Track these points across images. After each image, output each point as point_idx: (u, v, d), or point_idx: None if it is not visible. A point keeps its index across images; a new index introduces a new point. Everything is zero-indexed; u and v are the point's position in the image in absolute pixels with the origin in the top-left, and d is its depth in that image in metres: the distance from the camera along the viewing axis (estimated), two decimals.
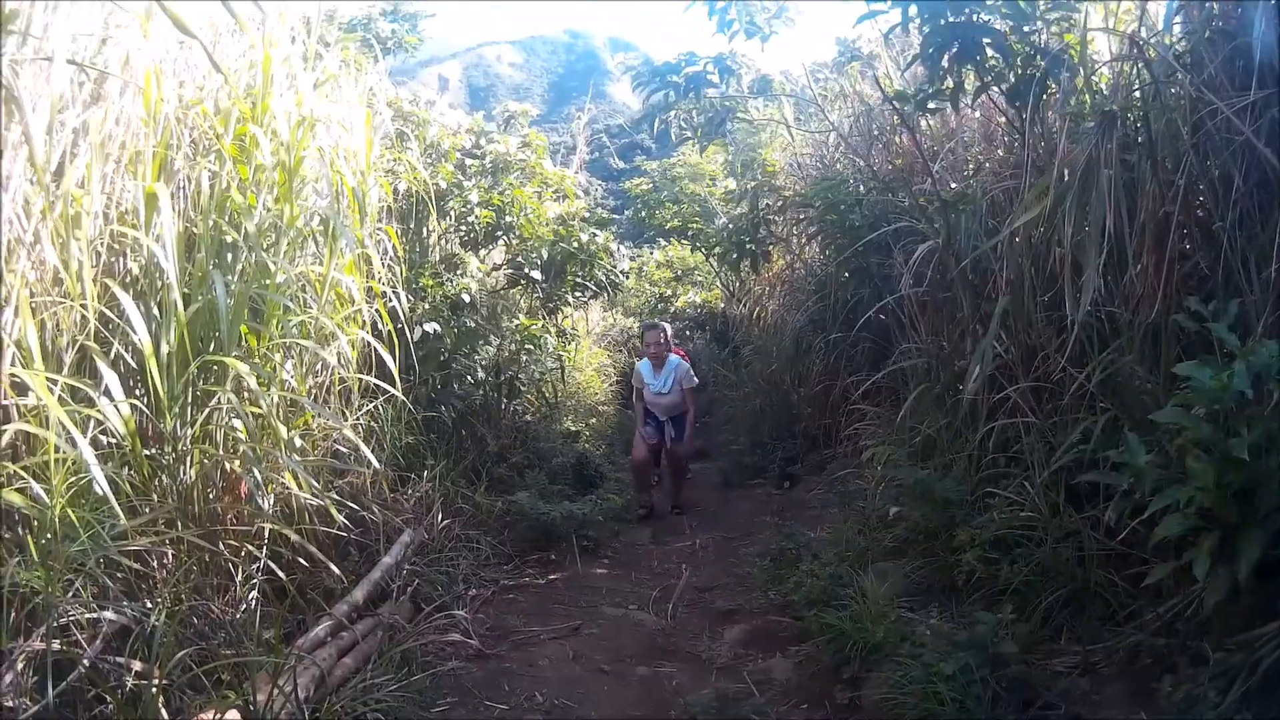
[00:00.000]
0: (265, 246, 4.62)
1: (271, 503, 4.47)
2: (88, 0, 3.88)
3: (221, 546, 4.17)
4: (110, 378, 3.55)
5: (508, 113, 12.04)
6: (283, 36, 4.97)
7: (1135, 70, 4.54)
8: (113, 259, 4.10)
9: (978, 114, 6.85)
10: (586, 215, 10.77)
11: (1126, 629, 3.90)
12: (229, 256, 4.45)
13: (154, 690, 3.26)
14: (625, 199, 17.65)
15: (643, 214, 15.21)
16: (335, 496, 4.89)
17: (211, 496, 4.24)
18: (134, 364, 3.93)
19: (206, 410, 4.17)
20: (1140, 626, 3.82)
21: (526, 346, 9.07)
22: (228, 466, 4.32)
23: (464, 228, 8.95)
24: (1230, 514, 3.17)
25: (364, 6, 11.67)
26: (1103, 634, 3.99)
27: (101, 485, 3.15)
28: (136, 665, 3.30)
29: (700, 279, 19.01)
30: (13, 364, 3.28)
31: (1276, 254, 3.54)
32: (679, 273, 19.29)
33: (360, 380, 5.30)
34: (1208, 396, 3.17)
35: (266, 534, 4.34)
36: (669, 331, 10.29)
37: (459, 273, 8.07)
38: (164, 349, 3.84)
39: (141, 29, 4.08)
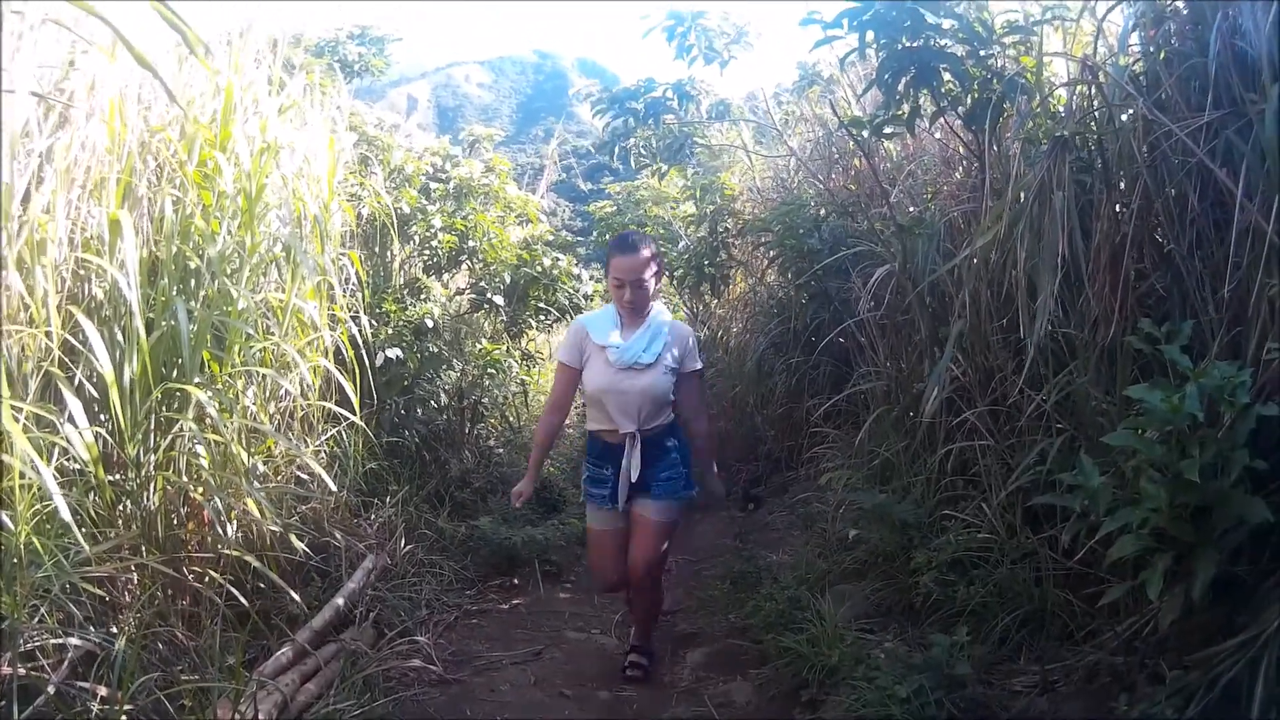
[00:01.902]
0: (228, 273, 4.63)
1: (234, 529, 4.47)
2: (53, 28, 3.89)
3: (185, 572, 4.17)
4: (74, 404, 3.55)
5: (473, 136, 12.04)
6: (247, 62, 4.99)
7: (1091, 93, 4.60)
8: (77, 285, 4.10)
9: (938, 135, 6.90)
10: (550, 239, 10.69)
11: (1084, 648, 3.92)
12: (192, 283, 4.46)
13: (119, 716, 3.26)
14: (592, 220, 17.68)
15: (607, 236, 15.23)
16: (297, 523, 4.89)
17: (175, 523, 4.23)
18: (97, 391, 3.93)
19: (169, 437, 4.17)
20: (1098, 645, 3.85)
21: (489, 371, 8.90)
22: (190, 493, 4.31)
23: (427, 252, 8.93)
24: (1184, 534, 3.20)
25: (332, 29, 11.66)
26: (1061, 653, 4.02)
27: (65, 514, 3.15)
28: (102, 691, 3.30)
29: (665, 301, 19.06)
30: None
31: (1230, 274, 3.58)
32: None
33: (322, 407, 5.31)
34: (1159, 419, 3.21)
35: (229, 560, 4.34)
36: (657, 255, 5.29)
37: (422, 297, 8.07)
38: (127, 376, 3.84)
39: (108, 56, 4.09)
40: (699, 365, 5.39)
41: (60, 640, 3.33)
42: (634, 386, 5.05)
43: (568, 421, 7.30)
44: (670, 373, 5.13)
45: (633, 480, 5.06)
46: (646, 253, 5.13)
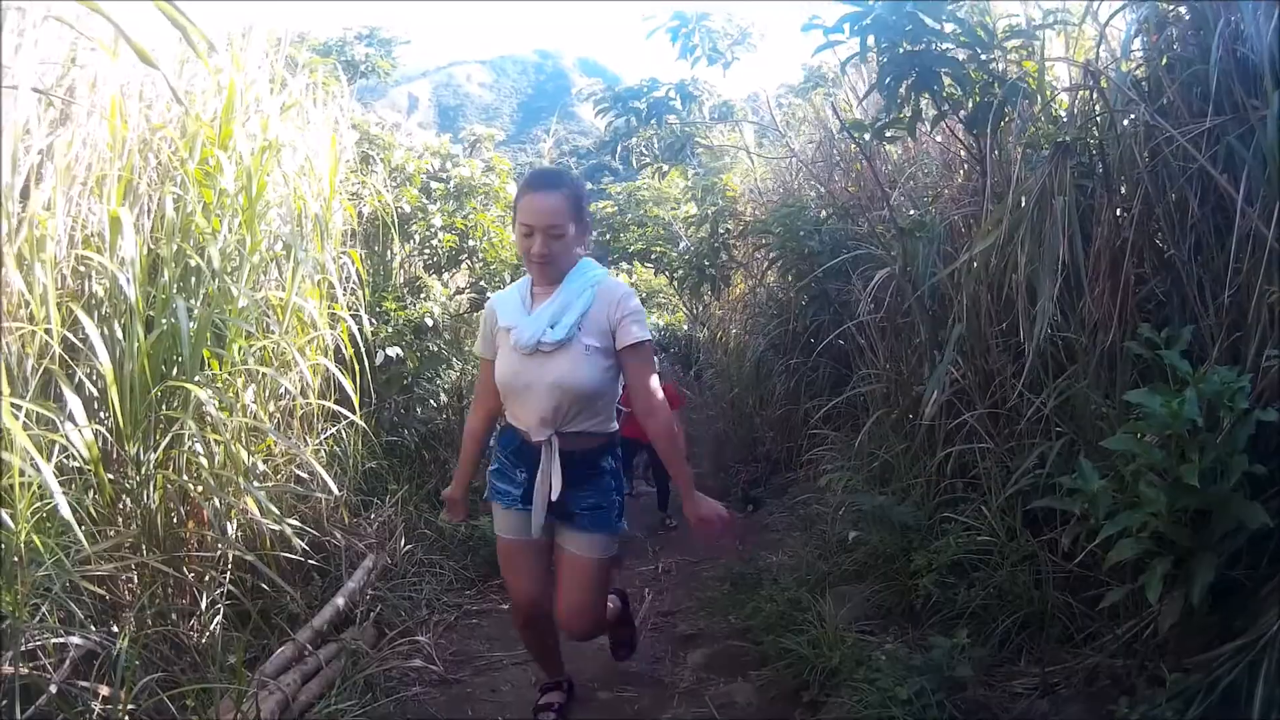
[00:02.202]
0: (228, 271, 4.63)
1: (234, 528, 4.47)
2: (55, 25, 3.89)
3: (185, 571, 4.17)
4: (74, 402, 3.55)
5: (474, 136, 12.06)
6: (250, 60, 4.99)
7: (1092, 98, 4.60)
8: (77, 282, 4.10)
9: (939, 138, 6.90)
10: None
11: (1084, 651, 3.93)
12: (192, 281, 4.46)
13: (121, 715, 3.26)
14: (591, 220, 17.75)
15: (607, 236, 15.25)
16: (297, 523, 4.88)
17: (175, 521, 4.23)
18: (97, 389, 3.93)
19: (169, 435, 4.17)
20: (1098, 648, 3.86)
21: None
22: (190, 492, 4.32)
23: (427, 251, 8.94)
24: (1183, 538, 3.21)
25: (340, 29, 11.69)
26: (1061, 656, 4.02)
27: (65, 512, 3.15)
28: (103, 690, 3.30)
29: (664, 301, 19.11)
30: None
31: (1230, 279, 3.59)
32: (644, 295, 19.37)
33: (322, 406, 5.31)
34: (1159, 424, 3.21)
35: (230, 559, 4.34)
36: (582, 199, 4.05)
37: (422, 296, 8.08)
38: (127, 373, 3.85)
39: (109, 53, 4.09)
40: (643, 336, 3.95)
41: (61, 639, 3.33)
42: (541, 378, 3.88)
43: None
44: (597, 353, 3.88)
45: (552, 499, 3.96)
46: (567, 191, 3.90)
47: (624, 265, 17.68)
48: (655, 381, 4.01)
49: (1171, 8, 4.39)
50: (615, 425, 4.17)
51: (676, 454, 4.13)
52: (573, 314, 3.86)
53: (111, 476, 3.92)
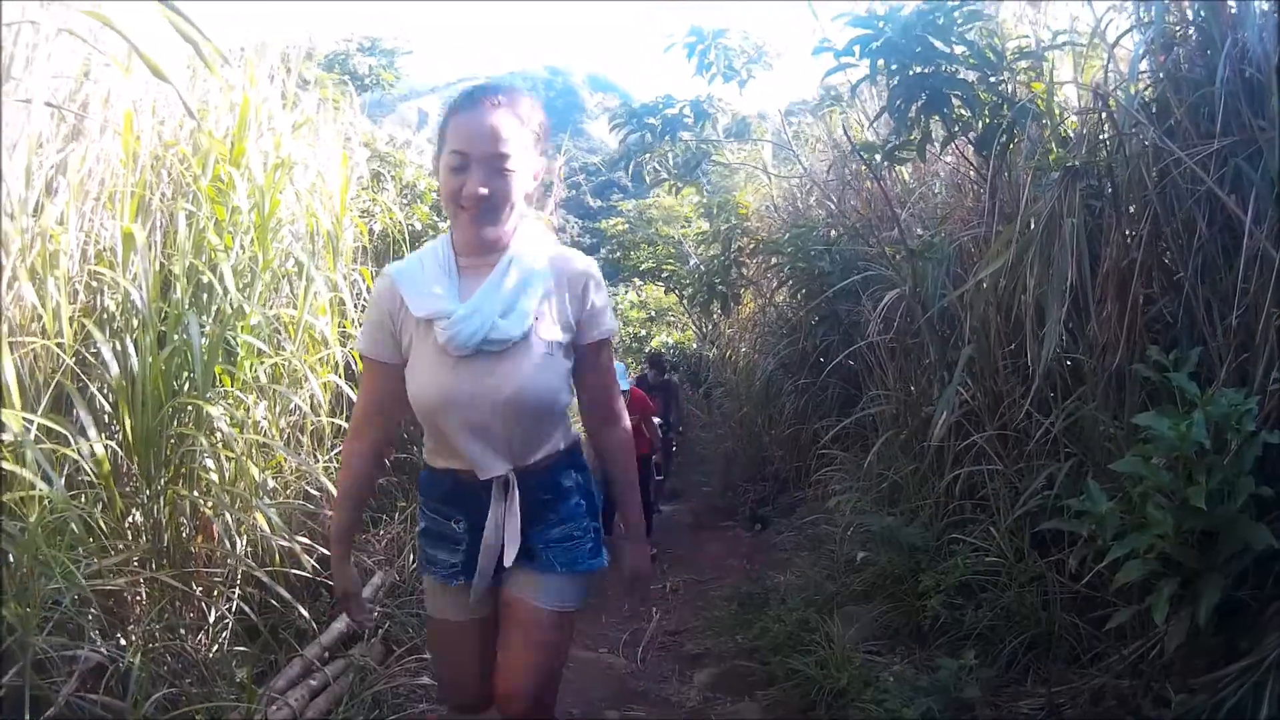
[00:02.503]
0: (240, 288, 4.65)
1: (244, 544, 4.48)
2: (69, 39, 3.91)
3: (194, 586, 4.18)
4: (85, 417, 3.57)
5: None
6: (262, 75, 5.02)
7: (1100, 120, 4.61)
8: (90, 297, 4.12)
9: (948, 159, 6.91)
10: None
11: (1091, 671, 3.94)
12: (204, 297, 4.48)
13: None
14: (601, 237, 17.76)
15: (618, 254, 15.27)
16: (306, 539, 4.89)
17: (184, 536, 4.24)
18: (109, 404, 3.95)
19: (180, 451, 4.19)
20: (1104, 669, 3.87)
21: None
22: (200, 507, 4.33)
23: None
24: (1190, 560, 3.21)
25: (341, 41, 11.72)
26: (1067, 676, 4.03)
27: (75, 529, 3.17)
28: (112, 703, 3.32)
29: (674, 319, 19.15)
30: None
31: (1238, 301, 3.59)
32: (653, 313, 19.44)
33: (332, 422, 5.32)
34: (1166, 446, 3.22)
35: (239, 575, 4.35)
36: (542, 123, 2.78)
37: None
38: (138, 389, 3.86)
39: (123, 69, 4.11)
40: (610, 326, 2.87)
41: (71, 652, 3.33)
42: (487, 391, 2.66)
43: None
44: (559, 351, 2.76)
45: (505, 563, 2.78)
46: (520, 109, 2.70)
47: (635, 281, 17.76)
48: (613, 382, 3.05)
49: (1179, 29, 4.40)
50: (573, 430, 3.00)
51: (633, 476, 3.11)
52: (530, 297, 2.69)
53: (122, 491, 3.93)
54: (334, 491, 4.43)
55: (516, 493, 2.76)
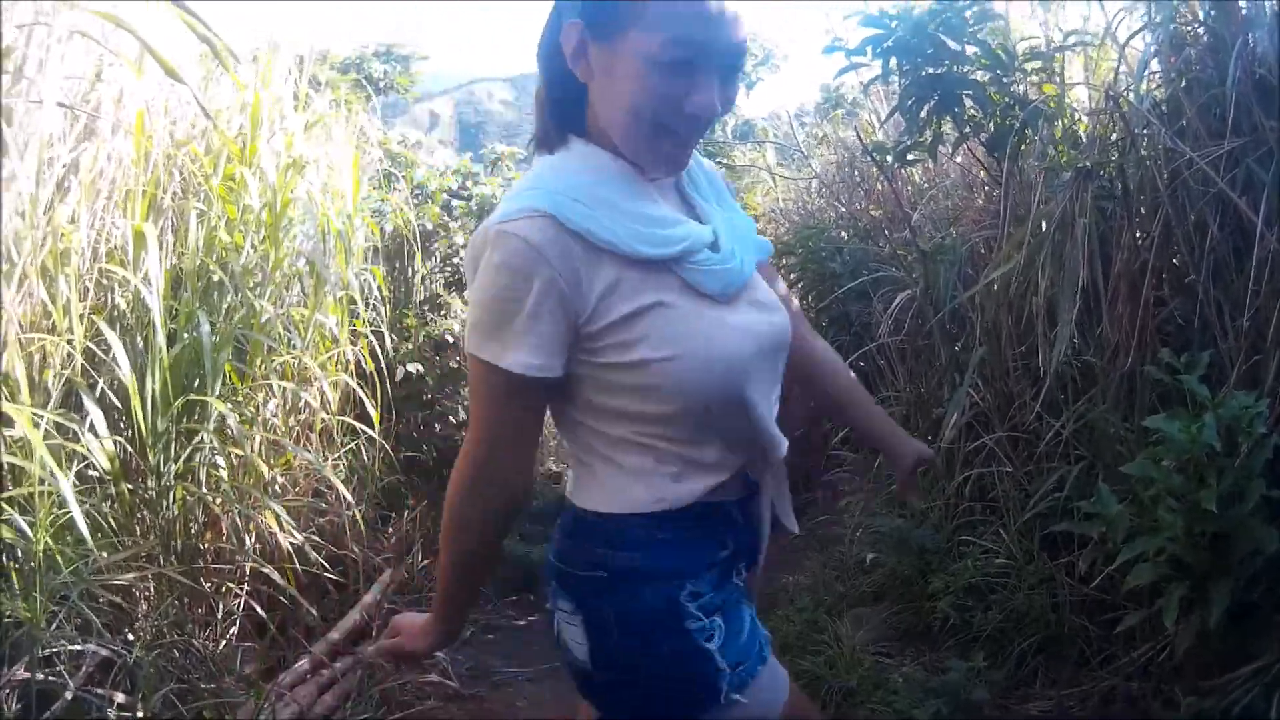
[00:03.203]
0: (251, 286, 4.66)
1: (252, 541, 4.49)
2: (81, 40, 3.92)
3: (203, 582, 4.19)
4: (95, 413, 3.58)
5: (495, 154, 12.10)
6: (275, 77, 5.03)
7: (1112, 121, 4.60)
8: (100, 295, 4.13)
9: (959, 160, 6.90)
10: None
11: (1101, 674, 3.92)
12: (215, 295, 4.49)
13: None
14: None
15: None
16: (315, 536, 4.90)
17: (193, 533, 4.26)
18: (118, 400, 3.96)
19: (190, 448, 4.20)
20: (1114, 672, 3.85)
21: None
22: (210, 504, 4.34)
23: (448, 269, 8.97)
24: (1201, 562, 3.20)
25: (358, 47, 11.75)
26: (1077, 679, 4.01)
27: (81, 524, 3.17)
28: (119, 698, 3.32)
29: None
30: None
31: (1249, 303, 3.58)
32: None
33: (342, 421, 5.33)
34: (1177, 449, 3.21)
35: (247, 571, 4.35)
36: None
37: (443, 313, 8.10)
38: (148, 386, 3.87)
39: (135, 70, 4.12)
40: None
41: (78, 647, 3.35)
42: (774, 338, 1.95)
43: None
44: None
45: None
46: None
47: None
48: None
49: (1190, 29, 4.39)
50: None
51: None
52: (741, 219, 2.06)
53: (131, 487, 3.94)
54: (343, 490, 4.46)
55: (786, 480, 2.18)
